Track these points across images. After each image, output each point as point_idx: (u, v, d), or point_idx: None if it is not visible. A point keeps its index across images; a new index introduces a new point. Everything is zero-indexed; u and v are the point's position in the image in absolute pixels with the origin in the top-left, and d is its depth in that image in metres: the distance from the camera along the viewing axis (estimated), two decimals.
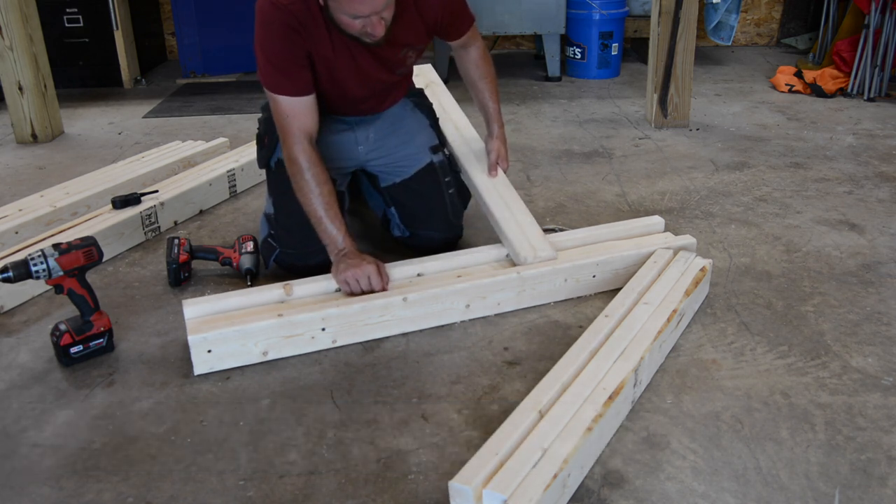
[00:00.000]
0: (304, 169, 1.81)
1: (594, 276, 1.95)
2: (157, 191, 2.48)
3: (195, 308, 1.74)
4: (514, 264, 1.94)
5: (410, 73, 2.19)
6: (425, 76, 2.60)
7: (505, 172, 2.20)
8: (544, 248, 1.94)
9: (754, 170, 2.90)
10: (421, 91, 2.26)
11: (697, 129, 3.44)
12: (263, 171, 2.14)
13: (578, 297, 1.95)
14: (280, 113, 1.83)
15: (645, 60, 4.10)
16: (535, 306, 1.91)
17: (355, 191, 2.33)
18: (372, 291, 1.80)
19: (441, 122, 2.27)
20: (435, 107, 2.27)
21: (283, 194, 1.98)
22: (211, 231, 2.45)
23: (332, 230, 1.83)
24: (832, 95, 3.95)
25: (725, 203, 2.57)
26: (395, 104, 2.14)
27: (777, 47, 5.32)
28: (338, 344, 1.76)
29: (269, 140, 2.05)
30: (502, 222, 2.02)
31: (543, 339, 1.79)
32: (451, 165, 2.19)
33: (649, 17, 3.53)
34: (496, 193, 2.13)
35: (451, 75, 4.33)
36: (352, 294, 1.79)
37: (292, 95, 1.82)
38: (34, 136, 3.46)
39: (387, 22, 1.74)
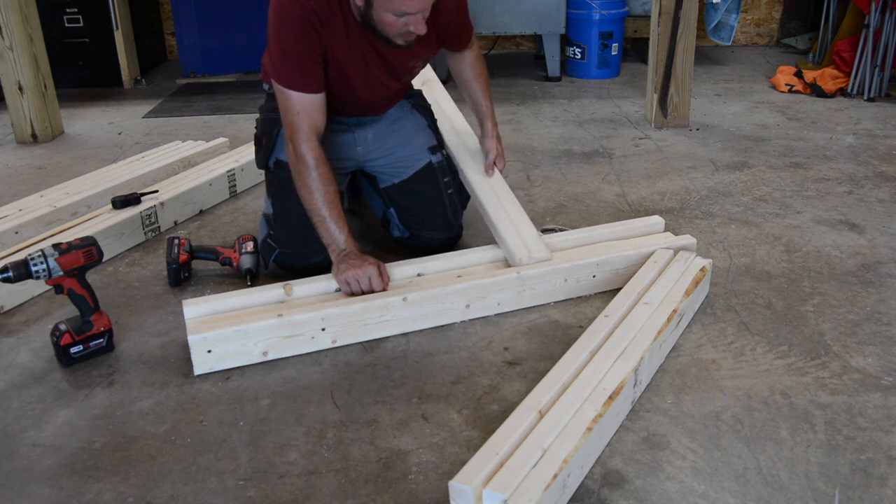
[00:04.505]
0: (312, 167, 1.81)
1: (594, 276, 1.95)
2: (157, 191, 2.48)
3: (195, 308, 1.74)
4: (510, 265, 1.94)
5: (412, 79, 2.20)
6: (422, 73, 2.60)
7: (501, 172, 2.20)
8: (539, 248, 1.94)
9: (754, 170, 2.90)
10: (419, 92, 2.26)
11: (697, 129, 3.44)
12: (262, 171, 2.14)
13: (578, 297, 1.95)
14: (290, 109, 1.82)
15: (645, 60, 4.10)
16: (535, 306, 1.91)
17: (355, 191, 2.34)
18: (372, 292, 1.80)
19: (437, 119, 2.28)
20: (433, 106, 2.27)
21: (282, 194, 1.98)
22: (211, 231, 2.45)
23: (334, 230, 1.83)
24: (832, 95, 3.95)
25: (725, 203, 2.57)
26: (392, 106, 2.14)
27: (777, 47, 5.32)
28: (338, 344, 1.76)
29: (267, 141, 2.05)
30: (498, 223, 2.02)
31: (543, 339, 1.79)
32: (450, 166, 2.19)
33: (649, 17, 3.53)
34: (492, 193, 2.12)
35: (450, 76, 4.33)
36: (352, 294, 1.79)
37: (305, 92, 1.81)
38: (34, 136, 3.46)
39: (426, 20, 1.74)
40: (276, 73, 1.82)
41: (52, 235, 2.19)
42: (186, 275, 2.06)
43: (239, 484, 1.35)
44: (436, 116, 2.25)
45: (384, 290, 1.81)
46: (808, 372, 1.63)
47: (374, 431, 1.48)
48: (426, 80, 2.54)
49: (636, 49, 5.12)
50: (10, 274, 1.61)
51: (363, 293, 1.79)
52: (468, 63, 2.15)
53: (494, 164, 2.18)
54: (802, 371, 1.64)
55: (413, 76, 2.08)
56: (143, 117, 3.89)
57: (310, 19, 1.75)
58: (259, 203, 2.64)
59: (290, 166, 1.85)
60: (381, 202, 2.19)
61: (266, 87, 2.11)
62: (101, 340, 1.74)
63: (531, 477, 1.21)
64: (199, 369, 1.66)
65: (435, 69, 2.73)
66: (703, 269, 1.89)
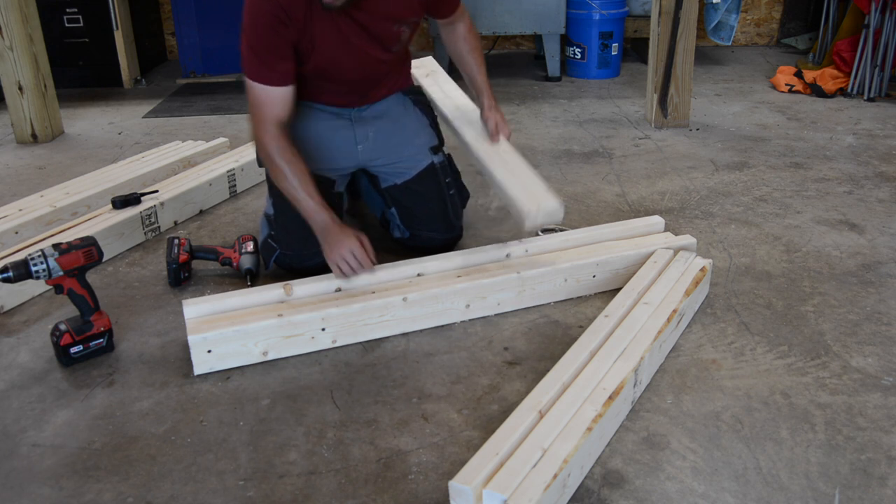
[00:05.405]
0: (274, 153, 1.84)
1: (594, 276, 1.95)
2: (157, 191, 2.48)
3: (195, 308, 1.74)
4: (511, 266, 1.94)
5: (407, 56, 2.17)
6: (426, 67, 2.60)
7: (508, 139, 2.14)
8: (548, 199, 1.86)
9: (754, 170, 2.90)
10: (419, 88, 2.26)
11: (697, 129, 3.44)
12: (263, 171, 2.14)
13: (578, 297, 1.95)
14: (254, 100, 1.87)
15: (645, 60, 4.10)
16: (535, 306, 1.91)
17: (355, 191, 2.34)
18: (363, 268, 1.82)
19: (443, 105, 2.28)
20: (438, 93, 2.26)
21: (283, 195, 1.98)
22: (211, 231, 2.45)
23: (310, 205, 1.83)
24: (832, 95, 3.95)
25: (725, 203, 2.57)
26: (391, 94, 2.12)
27: (777, 47, 5.32)
28: (338, 344, 1.76)
29: None
30: (502, 179, 1.95)
31: (543, 339, 1.79)
32: (451, 166, 2.19)
33: (649, 17, 3.53)
34: (496, 157, 2.06)
35: (452, 70, 4.32)
36: (345, 276, 1.82)
37: (269, 85, 1.85)
38: (34, 136, 3.46)
39: None
40: (244, 64, 1.86)
41: (52, 235, 2.19)
42: (186, 275, 2.06)
43: (239, 484, 1.35)
44: (441, 101, 2.23)
45: (371, 263, 1.83)
46: (808, 372, 1.63)
47: (374, 431, 1.48)
48: (430, 73, 2.54)
49: (636, 49, 5.12)
50: (10, 274, 1.62)
51: (355, 272, 1.81)
52: (461, 36, 2.13)
53: (498, 132, 2.12)
54: (802, 371, 1.64)
55: (403, 44, 2.02)
56: (143, 117, 3.89)
57: (277, 14, 1.76)
58: (259, 203, 2.64)
59: (259, 156, 1.89)
60: (381, 202, 2.19)
61: None
62: (101, 340, 1.74)
63: (531, 477, 1.21)
64: (199, 369, 1.66)
65: (439, 62, 2.73)
66: (703, 269, 1.89)
